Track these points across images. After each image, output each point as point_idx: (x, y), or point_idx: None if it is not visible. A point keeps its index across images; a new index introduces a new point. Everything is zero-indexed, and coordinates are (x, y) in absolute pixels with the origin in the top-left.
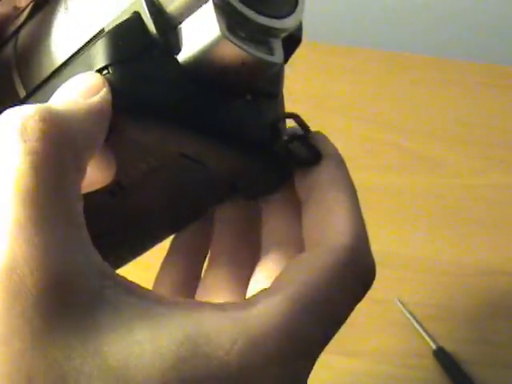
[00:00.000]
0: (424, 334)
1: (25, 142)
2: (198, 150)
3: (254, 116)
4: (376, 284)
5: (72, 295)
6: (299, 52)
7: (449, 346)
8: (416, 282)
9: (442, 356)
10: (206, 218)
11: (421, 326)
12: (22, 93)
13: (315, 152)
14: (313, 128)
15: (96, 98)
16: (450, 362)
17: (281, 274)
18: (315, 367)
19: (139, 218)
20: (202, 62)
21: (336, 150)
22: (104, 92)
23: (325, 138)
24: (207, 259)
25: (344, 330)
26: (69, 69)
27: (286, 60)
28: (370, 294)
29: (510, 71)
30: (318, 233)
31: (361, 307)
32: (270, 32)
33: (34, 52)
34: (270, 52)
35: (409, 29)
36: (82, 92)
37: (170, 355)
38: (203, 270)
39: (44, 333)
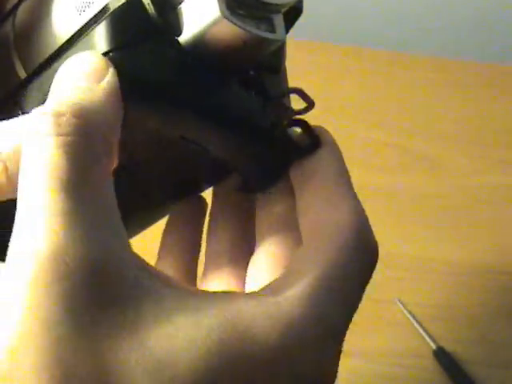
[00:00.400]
0: (424, 334)
1: (58, 135)
2: (199, 132)
3: (257, 93)
4: (376, 284)
5: (111, 285)
6: (299, 52)
7: (449, 346)
8: (416, 282)
9: (441, 356)
10: (198, 209)
11: (421, 326)
12: (22, 73)
13: (315, 139)
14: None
15: (107, 82)
16: (450, 361)
17: (296, 259)
18: None
19: (138, 197)
20: (203, 42)
21: (334, 140)
22: (111, 73)
23: (323, 129)
24: (207, 248)
25: None
26: (72, 51)
27: (286, 32)
28: (369, 294)
29: (510, 71)
30: (321, 217)
31: (361, 307)
32: (271, 8)
33: (34, 30)
34: (272, 29)
35: (409, 29)
36: (91, 77)
37: (213, 343)
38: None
39: (86, 323)
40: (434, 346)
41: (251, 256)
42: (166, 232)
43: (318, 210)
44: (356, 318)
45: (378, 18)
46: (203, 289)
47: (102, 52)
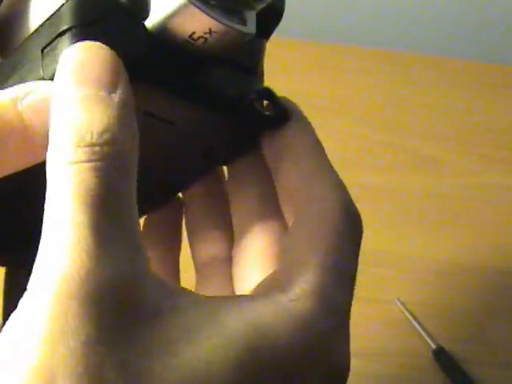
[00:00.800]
0: (424, 333)
1: (88, 162)
2: (163, 107)
3: (226, 85)
4: (376, 284)
5: (137, 304)
6: (299, 52)
7: (449, 346)
8: (416, 282)
9: (441, 356)
10: (175, 209)
11: (421, 325)
12: None
13: (283, 111)
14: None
15: (123, 91)
16: (449, 361)
17: (289, 247)
18: None
19: None
20: (169, 27)
21: (302, 112)
22: (125, 77)
23: (290, 101)
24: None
25: None
26: (38, 34)
27: (267, 35)
28: (370, 294)
29: (510, 71)
30: (305, 195)
31: (361, 307)
32: (243, 2)
33: (12, 18)
34: (242, 22)
35: (409, 29)
36: (104, 81)
37: (242, 350)
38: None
39: (115, 343)
40: (433, 346)
41: (230, 242)
42: (144, 234)
43: (300, 188)
44: (356, 318)
45: (378, 18)
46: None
47: (61, 30)
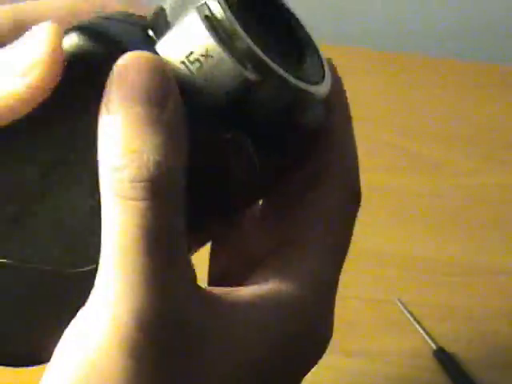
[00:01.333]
0: (424, 334)
1: (142, 200)
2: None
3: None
4: (376, 284)
5: (189, 338)
6: None
7: (449, 346)
8: (416, 282)
9: (441, 356)
10: None
11: (421, 326)
12: None
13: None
14: None
15: (174, 109)
16: (450, 361)
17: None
18: (314, 367)
19: None
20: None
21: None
22: (175, 91)
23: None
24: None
25: (344, 330)
26: None
27: (298, 156)
28: (370, 294)
29: (510, 71)
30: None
31: (361, 307)
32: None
33: None
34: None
35: (409, 29)
36: (153, 98)
37: (274, 346)
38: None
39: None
40: (434, 346)
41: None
42: None
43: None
44: (356, 317)
45: (378, 19)
46: None
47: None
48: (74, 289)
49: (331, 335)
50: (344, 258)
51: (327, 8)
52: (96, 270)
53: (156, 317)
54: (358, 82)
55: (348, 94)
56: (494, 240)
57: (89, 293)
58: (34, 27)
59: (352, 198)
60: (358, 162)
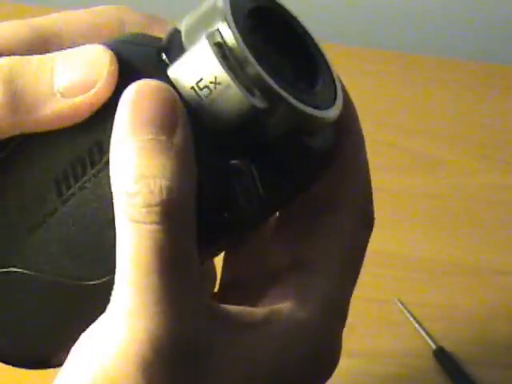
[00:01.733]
0: (424, 334)
1: (153, 213)
2: None
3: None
4: (376, 284)
5: (202, 358)
6: None
7: (449, 346)
8: (416, 282)
9: (441, 356)
10: None
11: (421, 326)
12: None
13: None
14: None
15: (182, 136)
16: (450, 362)
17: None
18: None
19: None
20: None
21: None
22: (183, 118)
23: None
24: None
25: (344, 330)
26: None
27: (309, 178)
28: (370, 294)
29: (510, 71)
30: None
31: (361, 307)
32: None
33: None
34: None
35: (409, 29)
36: (161, 126)
37: (284, 365)
38: None
39: None
40: (434, 346)
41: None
42: None
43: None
44: (356, 317)
45: (378, 19)
46: None
47: None
48: (88, 300)
49: (338, 359)
50: (355, 282)
51: (327, 7)
52: (109, 283)
53: (169, 339)
54: (358, 82)
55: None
56: (494, 240)
57: (102, 305)
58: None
59: (365, 224)
60: (371, 187)
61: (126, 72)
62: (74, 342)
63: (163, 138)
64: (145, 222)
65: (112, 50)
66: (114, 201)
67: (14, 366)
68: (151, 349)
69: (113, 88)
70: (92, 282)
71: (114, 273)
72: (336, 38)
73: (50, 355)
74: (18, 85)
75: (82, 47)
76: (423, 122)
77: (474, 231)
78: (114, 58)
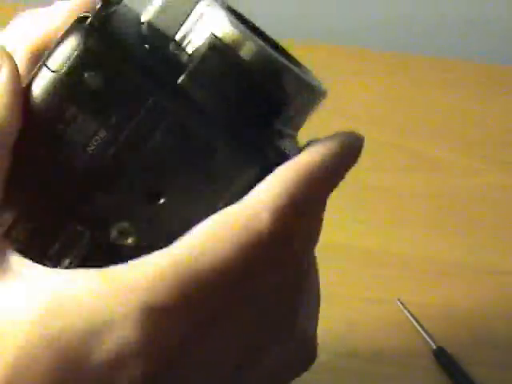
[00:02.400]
0: (424, 334)
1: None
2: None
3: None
4: (376, 284)
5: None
6: (299, 52)
7: (449, 346)
8: (416, 282)
9: (441, 356)
10: None
11: (421, 326)
12: None
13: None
14: (312, 129)
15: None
16: (450, 362)
17: None
18: (315, 367)
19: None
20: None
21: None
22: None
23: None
24: None
25: (344, 330)
26: None
27: None
28: (370, 294)
29: (510, 71)
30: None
31: (361, 307)
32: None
33: None
34: None
35: (409, 29)
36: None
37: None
38: None
39: None
40: (434, 346)
41: None
42: None
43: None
44: (356, 317)
45: (378, 19)
46: None
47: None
48: None
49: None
50: None
51: (326, 8)
52: None
53: None
54: (358, 82)
55: (348, 95)
56: (494, 240)
57: None
58: None
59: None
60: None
61: None
62: None
63: None
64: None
65: None
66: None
67: None
68: None
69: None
70: None
71: None
72: (336, 37)
73: None
74: None
75: None
76: (423, 122)
77: (474, 231)
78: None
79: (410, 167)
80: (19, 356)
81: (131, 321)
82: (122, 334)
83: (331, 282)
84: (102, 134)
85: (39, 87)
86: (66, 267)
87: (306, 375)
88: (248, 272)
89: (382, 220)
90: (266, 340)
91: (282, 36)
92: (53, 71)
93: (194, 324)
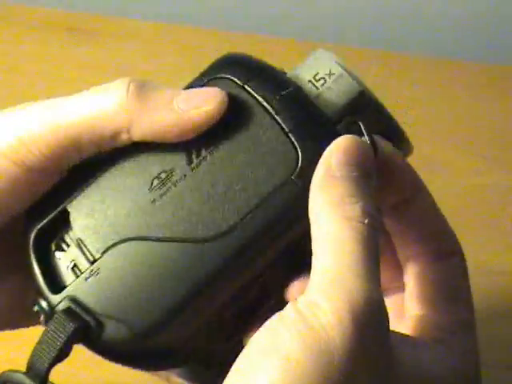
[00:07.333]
0: None
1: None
2: None
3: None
4: None
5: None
6: (299, 52)
7: None
8: None
9: None
10: None
11: None
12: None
13: None
14: None
15: (373, 184)
16: None
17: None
18: None
19: None
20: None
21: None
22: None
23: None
24: None
25: None
26: None
27: None
28: None
29: (510, 71)
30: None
31: None
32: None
33: None
34: None
35: (409, 29)
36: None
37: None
38: None
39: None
40: None
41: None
42: None
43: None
44: None
45: (378, 18)
46: None
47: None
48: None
49: None
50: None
51: (327, 8)
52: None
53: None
54: None
55: None
56: (494, 240)
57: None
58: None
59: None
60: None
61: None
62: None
63: (365, 177)
64: (355, 221)
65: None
66: (326, 204)
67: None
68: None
69: (221, 113)
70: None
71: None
72: (336, 38)
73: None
74: (148, 91)
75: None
76: (423, 122)
77: (473, 231)
78: (226, 95)
79: None
80: None
81: None
82: None
83: None
84: None
85: None
86: None
87: None
88: None
89: None
90: None
91: (282, 35)
92: None
93: None
